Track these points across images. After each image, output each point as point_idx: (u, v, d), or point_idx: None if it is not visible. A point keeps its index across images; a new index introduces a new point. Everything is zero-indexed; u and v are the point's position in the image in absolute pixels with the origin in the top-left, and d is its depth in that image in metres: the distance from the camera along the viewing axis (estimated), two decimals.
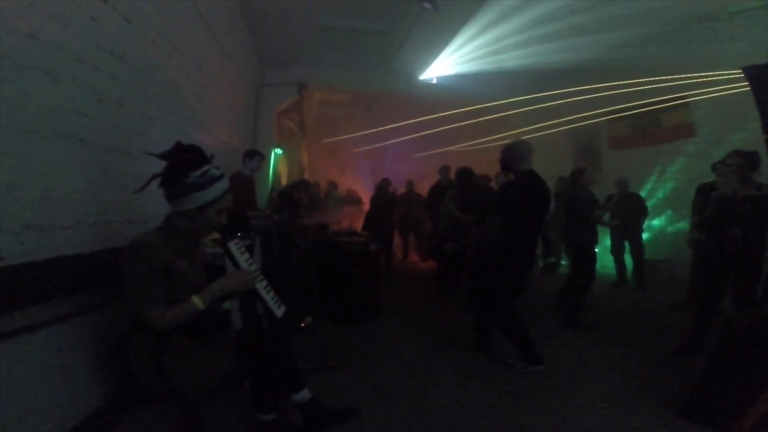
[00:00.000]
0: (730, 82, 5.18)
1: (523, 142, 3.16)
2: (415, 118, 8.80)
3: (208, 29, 3.92)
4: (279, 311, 1.87)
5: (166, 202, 1.64)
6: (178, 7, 3.12)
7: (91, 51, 2.02)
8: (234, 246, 1.75)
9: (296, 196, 4.62)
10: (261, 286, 1.81)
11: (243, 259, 1.77)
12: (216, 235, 1.84)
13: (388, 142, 10.40)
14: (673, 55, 5.99)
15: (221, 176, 1.70)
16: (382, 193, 7.03)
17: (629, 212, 5.77)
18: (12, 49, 1.53)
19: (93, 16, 2.02)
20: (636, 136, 7.03)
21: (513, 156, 3.00)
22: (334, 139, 10.40)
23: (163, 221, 1.68)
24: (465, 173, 4.76)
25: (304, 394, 2.03)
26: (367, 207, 7.69)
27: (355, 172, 11.17)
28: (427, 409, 2.47)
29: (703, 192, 4.48)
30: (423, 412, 2.44)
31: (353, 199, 9.66)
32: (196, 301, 1.57)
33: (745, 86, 2.59)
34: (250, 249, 2.98)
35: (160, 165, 1.63)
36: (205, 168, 1.64)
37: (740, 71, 2.51)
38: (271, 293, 1.88)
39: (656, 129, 6.68)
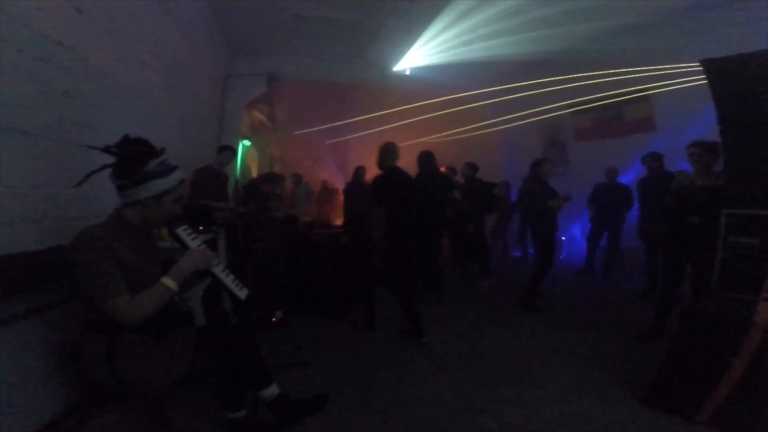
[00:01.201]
0: (690, 75, 5.38)
1: (391, 144, 3.55)
2: (389, 110, 8.78)
3: (171, 18, 3.77)
4: (242, 293, 1.86)
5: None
6: None
7: (34, 41, 1.91)
8: (182, 231, 1.75)
9: (264, 188, 4.53)
10: (219, 269, 1.81)
11: (194, 244, 1.77)
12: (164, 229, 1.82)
13: (362, 134, 10.33)
14: (637, 49, 6.17)
15: (176, 166, 1.69)
16: (357, 182, 6.89)
17: (614, 202, 5.90)
18: None
19: (39, 6, 1.92)
20: (600, 128, 7.24)
21: (382, 156, 3.49)
22: (307, 130, 10.25)
23: (110, 215, 1.63)
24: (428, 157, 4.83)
25: (273, 390, 2.01)
26: (341, 197, 7.63)
27: (326, 164, 11.07)
28: (403, 401, 2.50)
29: (642, 185, 4.71)
30: (398, 404, 2.46)
31: (328, 190, 9.60)
32: (167, 281, 1.55)
33: (703, 79, 2.68)
34: (213, 243, 2.93)
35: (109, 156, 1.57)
36: (163, 157, 1.64)
37: (699, 65, 2.58)
38: (231, 276, 1.87)
39: (619, 122, 6.90)
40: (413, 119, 8.52)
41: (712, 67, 2.43)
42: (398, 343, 3.43)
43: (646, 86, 6.19)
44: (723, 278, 2.20)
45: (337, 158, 11.32)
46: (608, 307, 4.46)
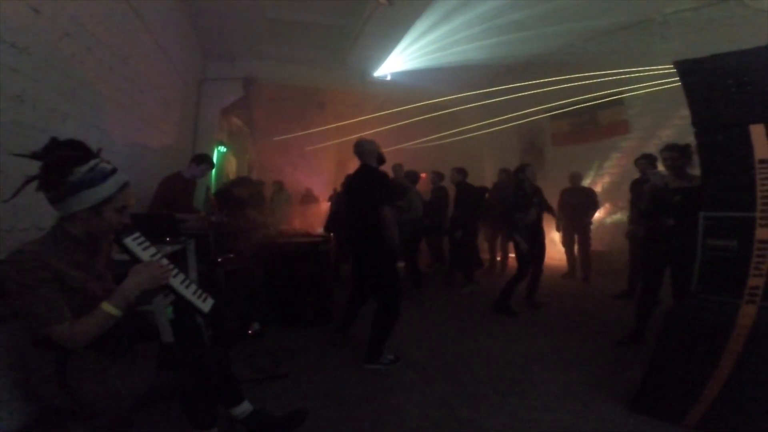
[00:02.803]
0: (661, 78, 5.50)
1: (370, 141, 3.31)
2: (370, 115, 8.74)
3: (139, 20, 3.63)
4: (205, 305, 1.68)
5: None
6: None
7: None
8: (131, 241, 1.54)
9: (237, 193, 4.35)
10: (177, 281, 1.62)
11: (147, 254, 1.56)
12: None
13: (342, 140, 10.26)
14: (609, 52, 6.31)
15: (114, 170, 1.47)
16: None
17: (580, 206, 6.03)
18: None
19: None
20: (576, 133, 7.37)
21: (359, 152, 3.25)
22: (286, 136, 10.11)
23: (51, 228, 1.45)
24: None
25: (245, 407, 1.91)
26: (324, 206, 7.52)
27: (308, 170, 10.94)
28: (385, 413, 2.43)
29: (635, 187, 4.79)
30: (381, 417, 2.39)
31: (310, 199, 9.47)
32: (107, 306, 1.36)
33: (674, 82, 2.71)
34: (182, 254, 2.78)
35: None
36: (93, 162, 1.42)
37: (670, 67, 2.61)
38: (192, 287, 1.69)
39: (594, 126, 7.04)
40: (394, 125, 8.49)
41: (686, 69, 2.45)
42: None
43: (620, 89, 6.33)
44: (703, 281, 2.20)
45: (317, 164, 11.21)
46: (589, 311, 4.47)
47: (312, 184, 10.34)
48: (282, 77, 7.61)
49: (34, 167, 1.70)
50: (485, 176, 8.86)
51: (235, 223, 3.68)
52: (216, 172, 6.82)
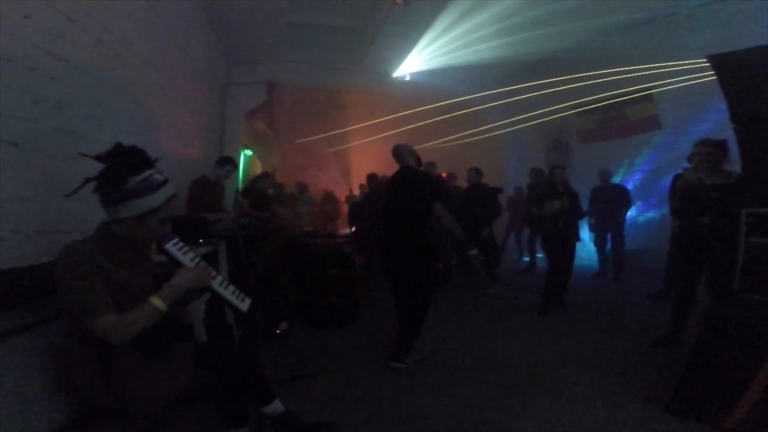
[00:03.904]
0: (692, 73, 5.32)
1: (406, 144, 3.37)
2: (390, 116, 8.74)
3: (165, 27, 3.72)
4: (243, 305, 1.76)
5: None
6: (129, 4, 2.94)
7: (24, 50, 1.84)
8: (172, 247, 1.61)
9: (260, 186, 4.45)
10: (216, 282, 1.69)
11: (187, 258, 1.63)
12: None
13: (363, 141, 10.31)
14: (634, 47, 6.12)
15: (165, 181, 1.54)
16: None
17: (611, 204, 5.82)
18: None
19: (27, 13, 1.85)
20: (603, 129, 7.17)
21: (403, 154, 3.29)
22: (307, 139, 10.23)
23: (97, 228, 1.52)
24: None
25: (276, 406, 1.93)
26: (344, 207, 7.58)
27: (330, 171, 11.03)
28: (410, 415, 2.40)
29: (676, 182, 4.63)
30: (406, 418, 2.37)
31: (330, 200, 9.55)
32: (155, 301, 1.43)
33: (706, 76, 2.60)
34: (214, 255, 2.85)
35: None
36: (147, 173, 1.49)
37: (702, 61, 2.51)
38: (230, 288, 1.76)
39: (622, 122, 6.83)
40: (415, 125, 8.47)
41: (720, 63, 2.35)
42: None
43: (648, 85, 6.13)
44: (745, 280, 2.11)
45: (340, 166, 11.29)
46: (622, 311, 4.34)
47: (333, 185, 10.41)
48: (302, 80, 7.69)
49: (72, 171, 1.78)
50: (509, 175, 8.75)
51: (264, 219, 3.74)
52: (243, 175, 6.96)
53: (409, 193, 3.10)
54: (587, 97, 6.86)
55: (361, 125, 9.50)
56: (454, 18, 5.76)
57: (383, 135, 9.40)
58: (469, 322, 4.11)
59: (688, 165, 3.70)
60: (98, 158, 1.46)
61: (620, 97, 6.50)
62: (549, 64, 7.14)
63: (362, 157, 11.32)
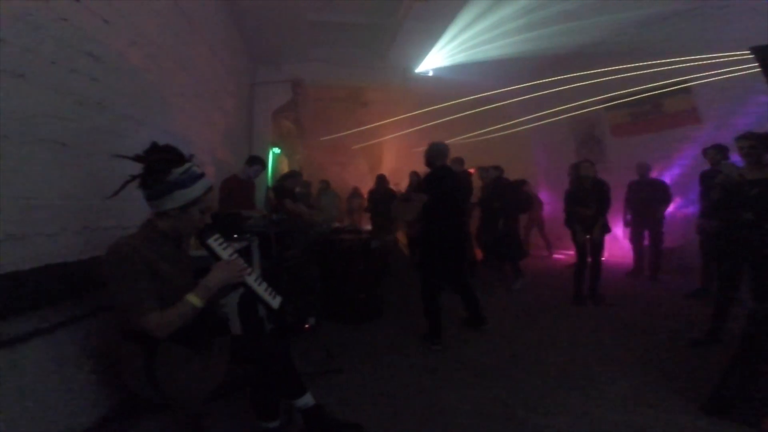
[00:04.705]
0: (732, 65, 5.08)
1: (440, 143, 3.68)
2: (413, 112, 8.71)
3: (193, 28, 3.82)
4: (275, 302, 1.80)
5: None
6: (158, 6, 3.02)
7: (65, 52, 1.92)
8: (213, 242, 1.66)
9: (287, 185, 4.55)
10: (251, 278, 1.74)
11: (226, 254, 1.69)
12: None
13: (387, 137, 10.32)
14: (671, 39, 5.87)
15: (202, 174, 1.63)
16: (380, 186, 7.39)
17: (649, 199, 5.60)
18: None
19: (65, 16, 1.92)
20: (638, 123, 6.91)
21: (432, 155, 3.62)
22: (332, 136, 10.31)
23: (142, 224, 1.60)
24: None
25: (307, 400, 1.96)
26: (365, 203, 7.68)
27: (355, 168, 11.10)
28: (437, 411, 2.39)
29: (705, 178, 4.46)
30: (432, 414, 2.36)
31: (357, 195, 9.68)
32: (192, 298, 1.49)
33: (748, 68, 2.47)
34: (247, 250, 2.92)
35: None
36: (187, 165, 1.57)
37: (743, 53, 2.38)
38: (264, 285, 1.81)
39: (658, 115, 6.56)
40: (438, 121, 8.40)
41: (766, 55, 2.23)
42: (431, 351, 3.32)
43: (686, 77, 5.88)
44: None
45: (368, 162, 11.38)
46: (658, 310, 4.19)
47: (359, 181, 10.47)
48: (325, 78, 7.77)
49: (112, 170, 1.85)
50: (535, 170, 8.58)
51: (293, 214, 3.81)
52: (272, 173, 7.11)
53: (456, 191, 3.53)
54: (617, 90, 6.64)
55: (385, 122, 9.51)
56: (477, 12, 5.68)
57: (408, 131, 9.39)
58: (496, 319, 4.05)
59: (736, 160, 3.54)
60: (136, 158, 1.53)
61: (656, 90, 6.24)
62: (576, 58, 6.95)
63: (390, 153, 11.40)
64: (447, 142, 3.86)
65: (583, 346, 3.32)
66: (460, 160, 5.78)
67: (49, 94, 1.82)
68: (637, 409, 2.34)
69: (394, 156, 11.48)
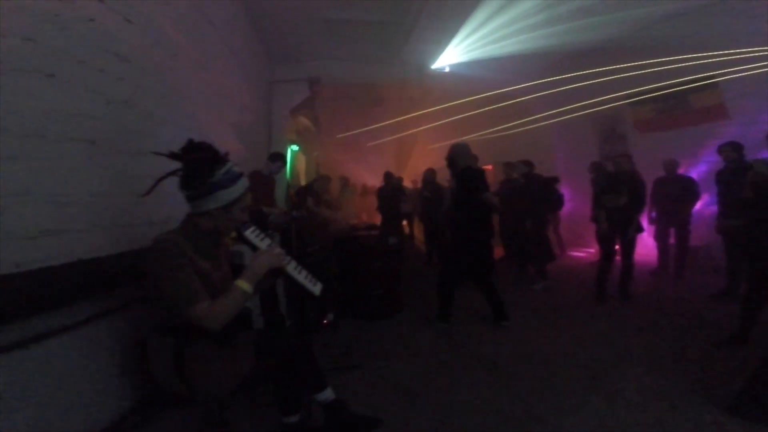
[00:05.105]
0: (759, 60, 4.90)
1: (462, 144, 3.81)
2: (429, 108, 8.66)
3: (212, 28, 3.86)
4: (316, 289, 1.84)
5: (184, 202, 1.58)
6: (178, 6, 3.06)
7: (92, 52, 1.96)
8: (251, 234, 1.70)
9: (315, 187, 4.61)
10: (291, 267, 1.77)
11: (264, 244, 1.73)
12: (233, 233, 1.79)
13: (402, 134, 10.29)
14: (695, 34, 5.69)
15: (242, 174, 1.66)
16: (388, 184, 7.63)
17: (677, 196, 5.43)
18: (8, 51, 1.48)
19: (91, 16, 1.96)
20: (663, 118, 6.71)
21: (456, 155, 3.73)
22: (348, 133, 10.33)
23: (182, 222, 1.63)
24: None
25: (328, 394, 1.98)
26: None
27: (370, 165, 11.12)
28: (454, 408, 2.39)
29: (724, 177, 4.34)
30: (450, 411, 2.35)
31: (369, 192, 9.76)
32: (242, 284, 1.52)
33: None
34: None
35: (172, 165, 1.56)
36: (229, 165, 1.60)
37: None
38: (303, 272, 1.84)
39: (685, 111, 6.36)
40: (456, 117, 8.33)
41: None
42: (449, 348, 3.31)
43: (712, 73, 5.69)
44: None
45: (379, 160, 11.39)
46: (683, 310, 4.08)
47: (374, 179, 10.50)
48: (341, 76, 7.75)
49: (139, 168, 1.88)
50: (556, 166, 8.42)
51: (315, 216, 3.85)
52: (290, 170, 7.18)
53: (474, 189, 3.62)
54: (641, 86, 6.45)
55: (399, 119, 9.48)
56: (495, 8, 5.58)
57: (424, 128, 9.35)
58: (516, 318, 4.01)
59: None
60: (173, 156, 1.55)
61: (682, 86, 6.05)
62: (597, 54, 6.78)
63: (406, 150, 11.39)
64: (464, 138, 3.87)
65: (605, 344, 3.26)
66: (474, 158, 5.72)
67: (79, 94, 1.87)
68: (659, 408, 2.29)
69: (412, 153, 11.50)
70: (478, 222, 3.68)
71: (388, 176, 7.77)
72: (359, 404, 2.35)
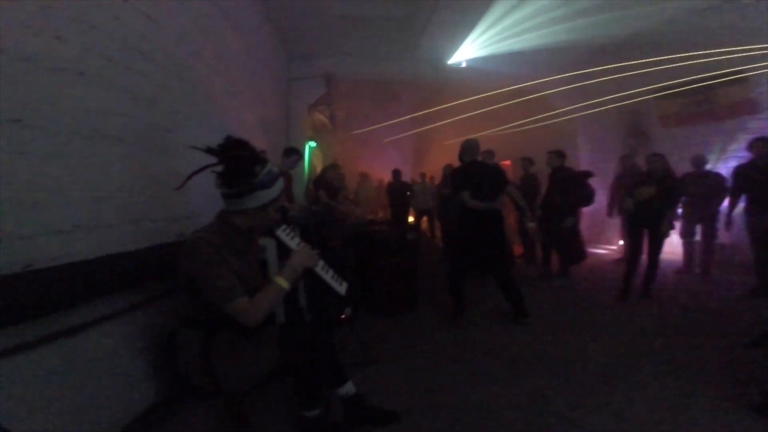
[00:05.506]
0: None
1: (471, 140, 3.89)
2: (446, 104, 8.60)
3: (231, 26, 3.91)
4: (342, 288, 1.86)
5: (206, 198, 1.61)
6: (199, 5, 3.09)
7: (119, 50, 2.00)
8: (282, 232, 1.73)
9: (328, 177, 4.61)
10: (319, 266, 1.80)
11: (294, 243, 1.75)
12: None
13: (419, 130, 10.25)
14: (723, 28, 5.49)
15: (280, 174, 1.66)
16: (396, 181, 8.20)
17: (705, 193, 5.27)
18: (41, 50, 1.52)
19: (116, 15, 1.99)
20: (689, 113, 6.51)
21: (461, 151, 3.86)
22: (364, 130, 10.35)
23: (216, 219, 1.65)
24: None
25: (348, 388, 1.99)
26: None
27: (385, 161, 11.13)
28: (472, 404, 2.37)
29: (748, 174, 4.21)
30: (468, 407, 2.34)
31: (381, 187, 9.84)
32: (280, 281, 1.56)
33: None
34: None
35: (197, 161, 1.58)
36: (269, 166, 1.61)
37: None
38: (330, 272, 1.86)
39: (712, 106, 6.16)
40: (473, 113, 8.25)
41: None
42: (466, 345, 3.30)
43: (740, 68, 5.51)
44: None
45: (401, 154, 11.42)
46: (709, 309, 3.98)
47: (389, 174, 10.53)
48: (357, 72, 7.79)
49: (164, 164, 1.91)
50: (580, 162, 8.27)
51: (333, 210, 3.86)
52: (308, 166, 7.26)
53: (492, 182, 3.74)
54: (667, 80, 6.28)
55: (414, 115, 9.45)
56: (514, 2, 5.49)
57: (440, 123, 9.29)
58: (534, 315, 3.97)
59: None
60: (210, 151, 1.56)
61: (709, 80, 5.86)
62: (621, 48, 6.63)
63: (422, 145, 11.34)
64: (483, 133, 3.85)
65: (626, 343, 3.20)
66: (490, 153, 5.64)
67: (108, 91, 1.91)
68: (679, 408, 2.25)
69: (429, 149, 11.46)
70: (484, 216, 3.71)
71: (396, 173, 8.27)
72: (376, 400, 2.36)
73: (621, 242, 6.69)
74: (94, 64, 1.82)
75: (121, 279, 1.87)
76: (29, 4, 1.48)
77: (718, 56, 5.49)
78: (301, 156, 4.53)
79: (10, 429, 1.26)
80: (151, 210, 2.25)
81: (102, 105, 1.86)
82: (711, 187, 5.26)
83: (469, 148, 3.83)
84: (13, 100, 1.40)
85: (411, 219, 8.57)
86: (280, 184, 1.63)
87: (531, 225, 4.66)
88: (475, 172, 3.75)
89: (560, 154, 5.19)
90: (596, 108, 7.27)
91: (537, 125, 8.30)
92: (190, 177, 1.58)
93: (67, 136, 1.64)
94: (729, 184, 5.02)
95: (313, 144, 7.93)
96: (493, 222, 3.77)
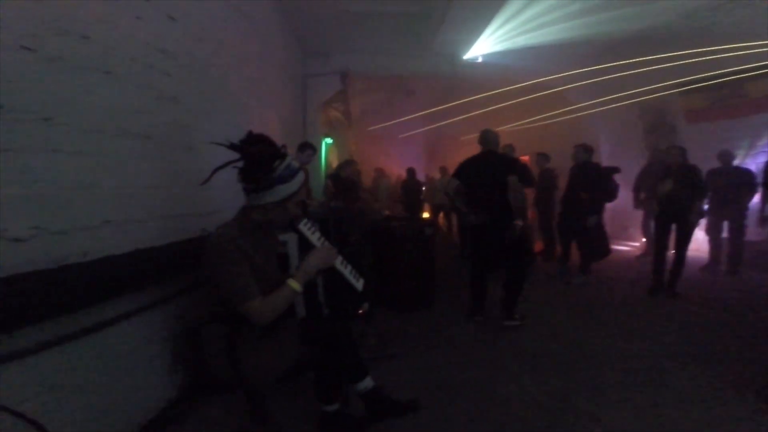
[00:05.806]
0: None
1: (487, 130, 3.87)
2: (461, 100, 8.51)
3: (249, 24, 3.92)
4: (359, 284, 1.86)
5: (229, 194, 1.63)
6: (218, 5, 3.11)
7: (142, 49, 2.03)
8: (304, 227, 1.72)
9: (343, 174, 4.62)
10: (338, 262, 1.79)
11: (315, 238, 1.75)
12: None
13: (434, 126, 10.18)
14: (747, 22, 5.27)
15: (299, 168, 1.67)
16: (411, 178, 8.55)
17: (732, 189, 5.13)
18: (68, 49, 1.55)
19: (138, 14, 2.02)
20: (716, 108, 6.31)
21: (479, 141, 3.84)
22: (379, 126, 10.33)
23: (238, 214, 1.66)
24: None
25: (368, 383, 1.99)
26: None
27: (401, 157, 11.10)
28: (492, 400, 2.36)
29: None
30: (487, 403, 2.33)
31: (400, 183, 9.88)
32: (293, 283, 1.56)
33: None
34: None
35: (219, 158, 1.60)
36: (289, 160, 1.61)
37: None
38: (348, 267, 1.86)
39: (741, 100, 5.95)
40: (490, 108, 8.15)
41: None
42: (486, 340, 3.28)
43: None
44: None
45: (416, 150, 11.41)
46: (735, 307, 3.87)
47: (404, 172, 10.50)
48: (372, 69, 7.76)
49: (187, 161, 1.93)
50: (601, 158, 8.10)
51: (350, 207, 3.88)
52: (324, 162, 7.30)
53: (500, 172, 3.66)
54: (692, 75, 6.09)
55: (430, 111, 9.39)
56: None
57: (457, 119, 9.21)
58: (553, 310, 3.92)
59: None
60: (233, 147, 1.57)
61: (737, 75, 5.67)
62: (640, 42, 6.42)
63: (439, 141, 11.26)
64: (501, 128, 3.82)
65: (652, 341, 3.13)
66: (509, 148, 5.55)
67: (133, 90, 1.95)
68: (702, 405, 2.21)
69: (445, 145, 11.39)
70: (488, 210, 3.63)
71: (410, 171, 8.63)
72: (395, 395, 2.37)
73: (644, 240, 6.55)
74: (119, 64, 1.85)
75: (148, 274, 1.91)
76: (57, 5, 1.51)
77: (746, 50, 5.33)
78: (315, 150, 4.53)
79: (41, 422, 1.29)
80: (178, 205, 2.29)
81: (127, 103, 1.90)
82: (739, 183, 5.10)
83: (482, 137, 3.80)
84: (43, 99, 1.44)
85: (426, 214, 8.59)
86: (299, 178, 1.63)
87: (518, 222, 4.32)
88: (476, 160, 3.74)
89: (587, 149, 5.03)
90: (616, 103, 7.09)
91: (556, 120, 8.15)
92: (213, 173, 1.59)
93: (94, 133, 1.68)
94: (758, 179, 4.85)
95: (329, 140, 7.96)
96: (496, 216, 3.62)
